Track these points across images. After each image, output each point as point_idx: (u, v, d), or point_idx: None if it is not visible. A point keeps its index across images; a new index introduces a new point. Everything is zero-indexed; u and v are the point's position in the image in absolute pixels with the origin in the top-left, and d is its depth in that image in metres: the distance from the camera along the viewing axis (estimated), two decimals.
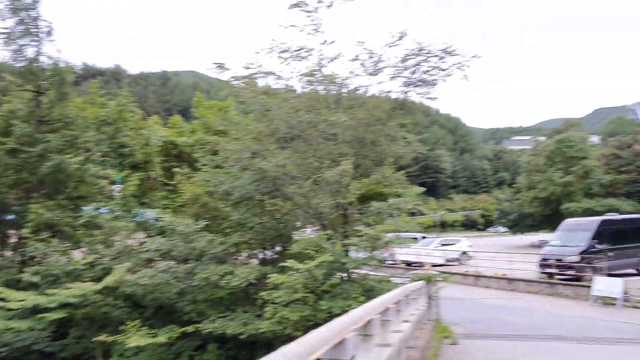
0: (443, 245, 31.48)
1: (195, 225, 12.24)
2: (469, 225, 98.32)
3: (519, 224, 56.28)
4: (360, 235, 10.91)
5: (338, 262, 11.04)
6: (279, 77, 12.22)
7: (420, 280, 12.10)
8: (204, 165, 14.27)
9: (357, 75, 12.59)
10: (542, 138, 63.64)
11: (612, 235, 23.21)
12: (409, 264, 30.32)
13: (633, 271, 23.66)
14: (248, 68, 11.90)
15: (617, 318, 15.38)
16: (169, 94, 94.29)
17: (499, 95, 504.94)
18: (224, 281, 11.62)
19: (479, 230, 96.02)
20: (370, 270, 13.33)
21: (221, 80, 14.60)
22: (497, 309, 17.77)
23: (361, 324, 4.79)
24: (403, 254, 30.52)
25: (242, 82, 11.87)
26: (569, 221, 25.79)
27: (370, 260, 11.75)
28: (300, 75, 11.89)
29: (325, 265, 11.26)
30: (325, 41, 12.64)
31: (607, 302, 17.76)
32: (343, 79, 12.43)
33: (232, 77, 11.68)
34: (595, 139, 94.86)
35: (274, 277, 10.50)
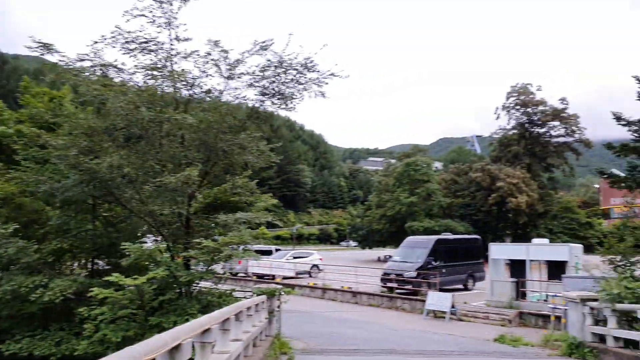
0: (295, 258, 31.70)
1: (3, 229, 10.39)
2: (324, 238, 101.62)
3: (368, 239, 59.42)
4: (201, 248, 10.13)
5: (173, 276, 10.13)
6: (120, 70, 10.99)
7: (262, 294, 11.68)
8: (25, 160, 12.32)
9: (210, 76, 11.89)
10: (393, 160, 68.42)
11: (446, 253, 25.31)
12: (260, 276, 29.98)
13: (461, 286, 26.02)
14: (82, 60, 10.51)
15: (443, 330, 16.53)
16: (4, 80, 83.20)
17: (361, 117, 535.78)
18: (36, 294, 9.99)
19: (333, 243, 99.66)
20: (219, 284, 12.59)
21: (45, 64, 12.78)
22: (340, 323, 18.10)
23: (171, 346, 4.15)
24: (255, 266, 30.10)
25: (75, 71, 10.43)
26: (409, 239, 27.65)
27: (208, 274, 11.00)
28: (145, 68, 10.79)
29: (158, 280, 10.29)
30: (178, 37, 11.77)
31: (438, 315, 19.12)
32: (194, 78, 11.61)
33: (62, 61, 10.17)
34: (438, 164, 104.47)
35: (96, 291, 9.26)
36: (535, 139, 56.66)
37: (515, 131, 57.45)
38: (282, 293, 12.56)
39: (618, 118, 16.00)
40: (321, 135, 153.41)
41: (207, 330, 5.74)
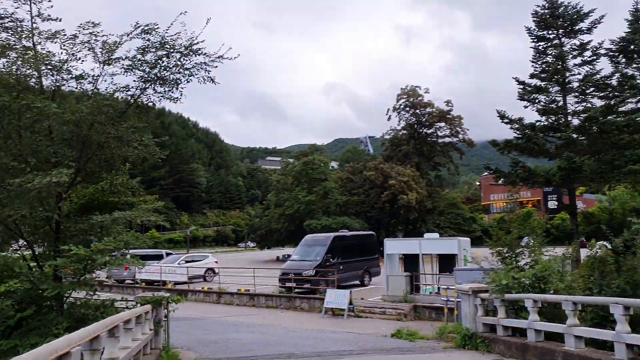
0: (188, 262, 30.08)
1: None
2: (221, 240, 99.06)
3: (267, 239, 58.77)
4: (70, 256, 8.76)
5: (37, 288, 8.66)
6: None
7: (147, 303, 10.50)
8: None
9: (83, 60, 10.43)
10: (292, 160, 68.39)
11: (343, 250, 25.40)
12: (150, 282, 28.00)
13: (358, 282, 26.27)
14: None
15: (342, 328, 16.34)
16: None
17: (258, 115, 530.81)
18: None
19: (230, 245, 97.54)
20: (97, 293, 11.10)
21: None
22: (236, 327, 17.20)
23: None
24: (144, 272, 28.06)
25: None
26: (308, 237, 27.42)
27: (81, 286, 9.61)
28: None
29: (20, 294, 8.77)
30: (42, 14, 10.20)
31: (337, 313, 18.95)
32: (61, 62, 10.10)
33: None
34: (334, 164, 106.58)
35: None
36: (423, 139, 59.72)
37: (405, 132, 60.10)
38: (171, 301, 11.44)
39: (502, 116, 16.94)
40: (216, 133, 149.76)
41: (65, 355, 4.70)
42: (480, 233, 57.58)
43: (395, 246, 21.34)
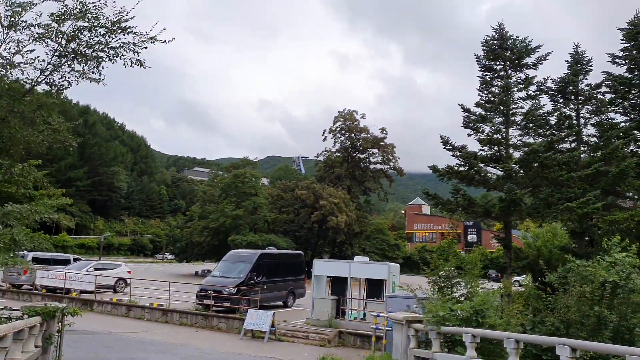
0: (97, 269, 27.51)
1: None
2: (137, 250, 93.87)
3: (187, 252, 55.95)
4: None
5: None
6: None
7: (36, 314, 8.86)
8: None
9: None
10: (221, 172, 66.24)
11: (269, 268, 24.21)
12: (51, 289, 25.22)
13: (281, 303, 25.12)
14: None
15: (262, 353, 15.15)
16: None
17: (187, 126, 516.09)
18: None
19: (147, 256, 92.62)
20: None
21: None
22: (143, 346, 15.48)
23: None
24: (45, 277, 25.30)
25: None
26: (232, 252, 25.97)
27: None
28: None
29: None
30: None
31: (257, 335, 17.70)
32: None
33: None
34: (265, 181, 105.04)
35: None
36: (356, 164, 60.04)
37: (339, 154, 60.16)
38: (67, 313, 9.80)
39: (445, 142, 16.78)
40: (143, 137, 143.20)
41: None
42: (402, 260, 58.39)
43: (324, 267, 20.51)
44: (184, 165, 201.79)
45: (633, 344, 9.43)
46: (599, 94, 17.24)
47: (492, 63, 17.13)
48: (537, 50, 16.70)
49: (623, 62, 17.17)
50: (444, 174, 17.23)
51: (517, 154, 16.35)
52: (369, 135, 58.02)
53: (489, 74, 17.34)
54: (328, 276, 20.63)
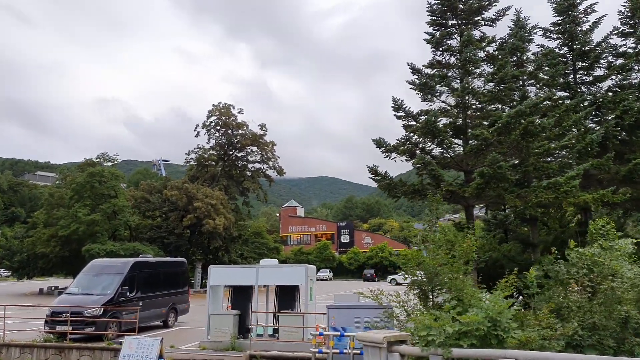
0: None
1: None
2: None
3: (28, 267, 46.61)
4: None
5: None
6: None
7: None
8: None
9: None
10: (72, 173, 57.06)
11: (145, 281, 19.37)
12: None
13: (160, 323, 20.32)
14: None
15: None
16: None
17: (16, 126, 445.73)
18: None
19: None
20: None
21: None
22: None
23: None
24: None
25: None
26: (95, 262, 20.38)
27: None
28: None
29: None
30: None
31: None
32: None
33: None
34: (123, 185, 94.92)
35: None
36: (233, 162, 55.70)
37: (214, 152, 55.27)
38: None
39: (398, 107, 13.77)
40: None
41: None
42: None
43: (222, 276, 16.32)
44: (24, 169, 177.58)
45: None
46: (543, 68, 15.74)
47: (444, 17, 14.70)
48: (495, 3, 14.69)
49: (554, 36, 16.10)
50: (394, 148, 14.25)
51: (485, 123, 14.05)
52: (247, 132, 54.04)
53: (440, 30, 14.92)
54: (227, 286, 16.58)
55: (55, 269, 47.12)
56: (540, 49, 16.34)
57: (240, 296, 16.26)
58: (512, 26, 16.00)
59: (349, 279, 71.30)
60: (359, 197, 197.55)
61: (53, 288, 45.65)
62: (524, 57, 15.42)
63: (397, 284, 60.27)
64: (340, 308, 10.77)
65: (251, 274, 15.82)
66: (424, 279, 8.88)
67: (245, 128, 54.20)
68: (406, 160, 14.89)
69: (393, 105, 14.44)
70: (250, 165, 56.01)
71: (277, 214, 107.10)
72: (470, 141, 13.95)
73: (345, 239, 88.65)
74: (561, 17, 16.30)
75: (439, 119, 13.73)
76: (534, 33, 16.25)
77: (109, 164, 49.01)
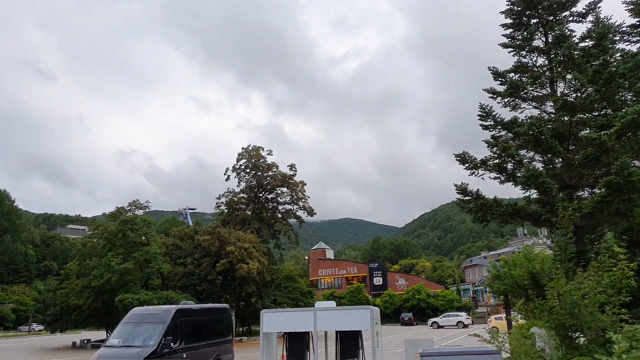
0: None
1: None
2: None
3: (61, 320, 45.56)
4: None
5: None
6: None
7: None
8: None
9: None
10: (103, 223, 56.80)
11: (187, 330, 17.97)
12: None
13: None
14: None
15: None
16: None
17: (39, 180, 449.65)
18: None
19: (8, 329, 76.96)
20: None
21: None
22: None
23: None
24: None
25: None
26: (136, 311, 19.12)
27: None
28: None
29: None
30: None
31: None
32: None
33: None
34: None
35: None
36: (263, 204, 54.75)
37: (244, 195, 54.49)
38: None
39: (486, 114, 12.36)
40: (6, 191, 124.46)
41: None
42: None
43: (276, 321, 14.85)
44: (56, 223, 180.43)
45: None
46: None
47: (526, 15, 13.52)
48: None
49: None
50: (482, 163, 12.68)
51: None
52: (277, 173, 53.28)
53: (521, 31, 13.72)
54: (280, 332, 15.09)
55: (89, 321, 45.98)
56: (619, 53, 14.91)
57: (296, 344, 14.75)
58: (591, 27, 14.59)
59: (385, 324, 68.32)
60: (385, 237, 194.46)
61: (86, 341, 44.38)
62: (612, 59, 14.02)
63: (439, 327, 57.38)
64: (438, 356, 9.15)
65: (308, 318, 14.31)
66: (566, 315, 7.24)
67: (275, 169, 53.49)
68: (494, 178, 13.40)
69: (480, 112, 13.10)
70: (280, 207, 54.95)
71: (306, 257, 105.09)
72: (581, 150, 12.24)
73: (377, 281, 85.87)
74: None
75: (545, 124, 12.15)
76: (619, 34, 14.90)
77: (141, 211, 48.19)
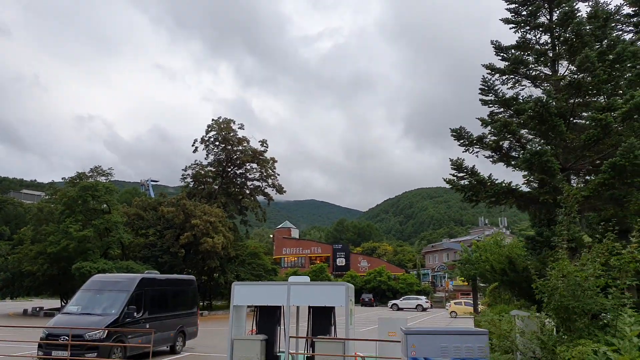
0: None
1: None
2: None
3: (13, 286, 43.70)
4: None
5: None
6: None
7: None
8: None
9: None
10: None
11: (152, 300, 17.25)
12: None
13: (166, 348, 18.09)
14: None
15: None
16: None
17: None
18: None
19: None
20: None
21: None
22: None
23: None
24: None
25: None
26: (97, 277, 18.17)
27: None
28: None
29: None
30: None
31: None
32: None
33: None
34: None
35: None
36: (231, 179, 53.67)
37: (212, 168, 53.23)
38: None
39: (486, 89, 11.80)
40: None
41: None
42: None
43: (247, 294, 14.26)
44: (9, 187, 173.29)
45: None
46: None
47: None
48: None
49: None
50: (479, 140, 12.28)
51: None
52: (247, 148, 52.18)
53: (525, 6, 13.29)
54: (250, 306, 14.57)
55: (42, 289, 44.31)
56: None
57: (267, 318, 14.26)
58: (597, 7, 14.27)
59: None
60: (349, 220, 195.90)
61: (38, 309, 42.79)
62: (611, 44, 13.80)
63: (399, 309, 58.17)
64: (422, 334, 8.80)
65: (281, 293, 13.78)
66: (569, 297, 6.97)
67: (245, 144, 52.38)
68: (488, 157, 13.05)
69: (482, 86, 12.66)
70: (249, 183, 54.00)
71: (271, 235, 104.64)
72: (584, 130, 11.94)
73: (341, 262, 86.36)
74: (637, 8, 14.85)
75: (550, 101, 11.71)
76: (614, 22, 14.72)
77: (103, 178, 46.32)
